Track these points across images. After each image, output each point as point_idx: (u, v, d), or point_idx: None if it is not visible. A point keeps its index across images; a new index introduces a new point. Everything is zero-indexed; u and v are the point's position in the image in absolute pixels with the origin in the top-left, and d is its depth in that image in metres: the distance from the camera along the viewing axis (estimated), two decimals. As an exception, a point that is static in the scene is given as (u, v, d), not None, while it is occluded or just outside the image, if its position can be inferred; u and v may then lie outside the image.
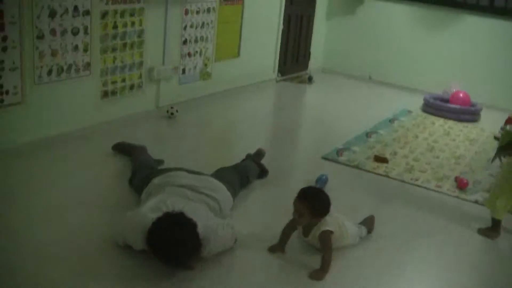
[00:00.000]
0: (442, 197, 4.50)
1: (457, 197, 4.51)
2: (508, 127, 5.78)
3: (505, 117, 6.28)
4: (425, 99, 7.34)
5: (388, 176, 4.78)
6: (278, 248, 3.29)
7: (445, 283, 3.27)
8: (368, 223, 3.64)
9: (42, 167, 4.12)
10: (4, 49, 4.03)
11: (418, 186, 4.66)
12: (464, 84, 7.53)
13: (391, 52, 8.46)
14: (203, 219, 2.96)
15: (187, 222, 2.81)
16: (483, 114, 7.11)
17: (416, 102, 7.46)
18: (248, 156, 4.41)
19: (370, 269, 3.28)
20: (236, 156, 4.43)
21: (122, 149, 4.40)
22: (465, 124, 6.83)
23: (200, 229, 2.84)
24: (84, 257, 3.00)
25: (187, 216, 2.84)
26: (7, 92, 4.12)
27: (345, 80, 8.53)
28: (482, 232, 3.89)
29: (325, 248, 3.16)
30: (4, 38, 4.01)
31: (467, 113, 7.07)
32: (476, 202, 4.45)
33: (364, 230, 3.55)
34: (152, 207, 3.02)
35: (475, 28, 7.83)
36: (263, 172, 4.31)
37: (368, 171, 4.84)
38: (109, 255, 3.04)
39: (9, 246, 3.04)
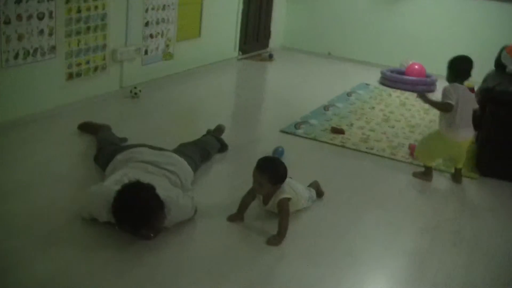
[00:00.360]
0: (396, 164, 4.75)
1: (410, 163, 4.76)
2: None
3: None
4: (382, 72, 7.63)
5: (344, 146, 5.02)
6: (237, 217, 3.47)
7: (395, 243, 3.50)
8: (314, 187, 3.87)
9: (10, 146, 4.26)
10: (-29, 34, 4.16)
11: (373, 154, 4.90)
12: (419, 57, 7.82)
13: (350, 29, 8.72)
14: (164, 189, 3.15)
15: (146, 187, 3.01)
16: (439, 84, 7.37)
17: (374, 76, 7.75)
18: (209, 132, 4.62)
19: (325, 232, 3.50)
20: (198, 132, 4.61)
21: (87, 128, 4.57)
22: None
23: (162, 195, 3.04)
24: (50, 229, 3.15)
25: (145, 182, 3.04)
26: (-25, 75, 4.26)
27: (305, 57, 8.77)
28: (417, 175, 4.44)
29: (282, 214, 3.34)
30: (-30, 24, 4.14)
31: (422, 84, 7.37)
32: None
33: (313, 192, 3.78)
34: (115, 181, 3.21)
35: (429, 3, 8.12)
36: (223, 147, 4.53)
37: (325, 142, 5.07)
38: (75, 227, 3.20)
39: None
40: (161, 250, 3.08)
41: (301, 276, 3.01)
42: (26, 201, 3.45)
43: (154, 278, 2.84)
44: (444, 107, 4.16)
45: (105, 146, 4.03)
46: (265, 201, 3.44)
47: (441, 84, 7.11)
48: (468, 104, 4.18)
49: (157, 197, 3.00)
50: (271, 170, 3.33)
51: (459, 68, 4.23)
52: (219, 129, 4.69)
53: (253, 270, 3.01)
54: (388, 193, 4.20)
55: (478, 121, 4.63)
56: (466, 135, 4.25)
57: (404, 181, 4.43)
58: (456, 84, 4.19)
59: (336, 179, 4.32)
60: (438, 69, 7.55)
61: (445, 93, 4.17)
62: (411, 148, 4.92)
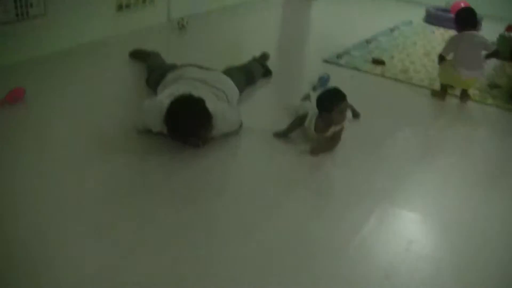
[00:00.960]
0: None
1: (448, 93, 4.86)
2: (506, 34, 6.12)
3: (504, 25, 6.55)
4: (427, 10, 7.62)
5: (383, 76, 5.15)
6: (283, 134, 3.66)
7: (422, 158, 3.69)
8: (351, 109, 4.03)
9: (66, 72, 4.52)
10: (28, -35, 4.40)
11: (411, 84, 5.02)
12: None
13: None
14: (211, 103, 3.37)
15: (197, 99, 3.23)
16: (484, 24, 7.35)
17: (420, 14, 7.75)
18: (254, 58, 4.80)
19: (361, 145, 3.73)
20: (244, 60, 4.80)
21: (138, 55, 4.81)
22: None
23: (209, 108, 3.26)
24: (107, 139, 3.44)
25: (196, 95, 3.26)
26: (31, 5, 4.50)
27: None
28: (434, 94, 4.80)
29: (338, 140, 3.60)
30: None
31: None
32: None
33: None
34: (168, 94, 3.44)
35: None
36: (267, 72, 4.72)
37: (366, 72, 5.21)
38: (130, 137, 3.47)
39: (40, 129, 3.50)
40: (209, 157, 3.33)
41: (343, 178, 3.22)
42: (83, 118, 3.73)
43: (200, 179, 3.10)
44: (439, 59, 4.72)
45: (155, 68, 4.25)
46: (323, 129, 3.57)
47: (486, 23, 7.19)
48: (472, 50, 4.52)
49: (206, 109, 3.22)
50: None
51: (464, 18, 4.67)
52: (264, 56, 4.87)
53: (295, 171, 3.23)
54: (419, 117, 4.36)
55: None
56: (470, 75, 4.55)
57: (438, 106, 4.60)
58: (460, 34, 4.61)
59: (373, 103, 4.51)
60: (484, 8, 7.57)
61: (445, 43, 4.73)
62: None
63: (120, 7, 5.37)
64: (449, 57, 4.68)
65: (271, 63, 4.91)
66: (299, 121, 3.66)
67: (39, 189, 2.87)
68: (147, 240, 2.56)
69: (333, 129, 3.57)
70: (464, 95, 4.74)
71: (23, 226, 2.57)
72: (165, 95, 3.46)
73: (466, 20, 4.66)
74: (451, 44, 4.65)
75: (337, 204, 3.06)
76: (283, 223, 2.79)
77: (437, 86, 4.89)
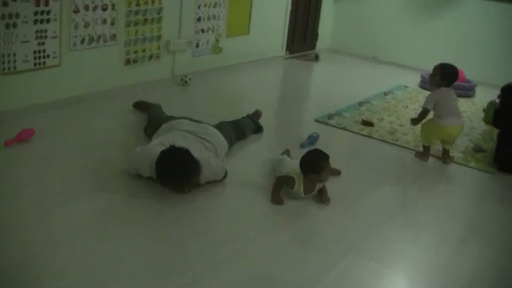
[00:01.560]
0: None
1: (431, 155, 5.12)
2: (496, 100, 6.43)
3: (498, 92, 6.85)
4: (421, 76, 7.96)
5: (370, 137, 5.44)
6: (278, 201, 3.78)
7: (396, 215, 3.95)
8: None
9: (73, 117, 4.95)
10: (48, 20, 4.82)
11: (397, 145, 5.31)
12: (460, 62, 8.09)
13: (395, 33, 9.07)
14: (197, 151, 3.70)
15: (181, 149, 3.57)
16: (479, 90, 7.67)
17: (415, 80, 8.10)
18: (247, 115, 5.14)
19: (339, 201, 3.97)
20: (240, 116, 5.15)
21: (141, 106, 5.18)
22: (458, 99, 7.40)
23: (195, 156, 3.58)
24: (100, 179, 3.79)
25: (180, 146, 3.60)
26: (48, 56, 4.92)
27: (350, 59, 9.19)
28: (417, 155, 5.06)
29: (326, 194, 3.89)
30: (48, 12, 4.80)
31: (460, 88, 7.62)
32: (449, 160, 5.11)
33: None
34: (158, 143, 3.79)
35: (470, 10, 8.43)
36: (258, 128, 5.05)
37: (354, 132, 5.51)
38: (122, 179, 3.82)
39: (42, 166, 3.88)
40: (194, 201, 3.63)
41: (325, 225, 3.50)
42: (82, 157, 4.11)
43: (185, 219, 3.41)
44: (423, 113, 4.98)
45: (154, 119, 4.60)
46: (312, 189, 3.83)
47: (481, 89, 7.52)
48: (451, 100, 4.87)
49: (193, 158, 3.54)
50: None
51: (451, 73, 4.96)
52: (257, 113, 5.21)
53: (271, 220, 3.51)
54: (402, 175, 4.64)
55: (498, 118, 5.04)
56: (453, 122, 4.86)
57: (420, 167, 4.87)
58: (442, 89, 4.88)
59: (357, 161, 4.81)
60: (477, 75, 7.93)
61: (427, 99, 4.98)
62: None
63: (128, 61, 5.76)
64: (431, 112, 4.96)
65: (265, 120, 5.25)
66: (280, 184, 3.84)
67: (35, 219, 3.20)
68: (121, 269, 2.83)
69: (318, 187, 3.85)
70: (446, 156, 5.00)
71: (19, 247, 2.88)
72: (155, 143, 3.81)
73: (452, 76, 4.96)
74: (432, 97, 4.90)
75: (305, 251, 3.30)
76: (251, 266, 3.04)
77: (419, 144, 5.18)
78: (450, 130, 4.88)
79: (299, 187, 3.78)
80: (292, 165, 4.00)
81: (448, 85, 4.92)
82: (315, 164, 3.72)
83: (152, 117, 4.71)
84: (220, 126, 4.46)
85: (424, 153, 5.06)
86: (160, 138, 3.89)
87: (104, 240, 3.09)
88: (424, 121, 5.06)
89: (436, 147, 5.09)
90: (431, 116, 5.00)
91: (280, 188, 3.82)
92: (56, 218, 3.24)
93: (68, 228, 3.15)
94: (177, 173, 3.50)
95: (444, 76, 4.91)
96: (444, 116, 4.84)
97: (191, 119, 4.37)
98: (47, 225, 3.16)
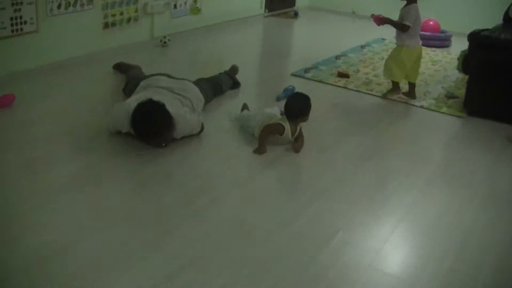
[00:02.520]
0: (391, 104, 5.31)
1: (405, 103, 5.31)
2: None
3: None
4: (398, 28, 8.05)
5: (346, 88, 5.59)
6: (262, 150, 3.97)
7: (361, 161, 4.11)
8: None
9: (54, 83, 5.04)
10: (23, -14, 4.90)
11: (371, 94, 5.46)
12: (436, 14, 8.22)
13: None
14: (173, 107, 3.83)
15: (157, 103, 3.69)
16: (454, 41, 7.80)
17: (392, 32, 8.14)
18: (224, 71, 5.27)
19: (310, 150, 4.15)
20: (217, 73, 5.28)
21: (120, 67, 5.29)
22: (434, 49, 7.57)
23: (171, 111, 3.72)
24: (82, 139, 3.94)
25: (155, 100, 3.72)
26: (25, 22, 4.99)
27: (330, 15, 9.29)
28: (387, 95, 5.32)
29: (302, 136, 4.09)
30: (23, -21, 4.87)
31: (436, 39, 7.79)
32: (421, 107, 5.27)
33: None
34: (135, 99, 3.90)
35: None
36: (235, 84, 5.19)
37: (330, 84, 5.66)
38: (102, 138, 3.97)
39: (24, 131, 3.99)
40: (171, 155, 3.78)
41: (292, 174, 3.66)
42: (64, 121, 4.23)
43: (162, 174, 3.56)
44: (402, 27, 5.02)
45: (132, 79, 4.72)
46: (294, 132, 4.04)
47: (456, 39, 7.64)
48: (420, 19, 5.06)
49: (167, 112, 3.67)
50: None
51: None
52: (233, 69, 5.37)
53: (246, 170, 3.69)
54: (372, 124, 4.78)
55: (468, 64, 5.18)
56: (420, 42, 5.19)
57: (391, 114, 5.04)
58: (415, 4, 4.99)
59: (331, 112, 4.97)
60: (452, 26, 8.05)
61: (407, 14, 5.00)
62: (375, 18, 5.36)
63: (106, 25, 5.85)
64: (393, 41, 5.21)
65: (243, 77, 5.40)
66: (271, 132, 4.02)
67: (19, 180, 3.35)
68: (100, 222, 3.00)
69: (299, 128, 4.07)
70: (413, 89, 5.31)
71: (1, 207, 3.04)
72: (133, 100, 3.93)
73: None
74: (412, 16, 4.98)
75: (278, 198, 3.49)
76: (225, 213, 3.20)
77: (396, 96, 5.36)
78: (419, 51, 5.16)
79: (288, 131, 3.98)
80: (263, 115, 4.13)
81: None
82: (304, 107, 4.00)
83: (131, 77, 4.83)
84: (197, 82, 4.59)
85: (394, 88, 5.31)
86: (137, 95, 4.01)
87: (84, 196, 3.24)
88: (395, 52, 5.24)
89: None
90: (399, 43, 5.19)
91: (267, 137, 3.98)
92: (39, 179, 3.39)
93: (50, 188, 3.29)
94: (151, 125, 3.63)
95: None
96: (416, 35, 5.06)
97: (169, 76, 4.49)
98: (30, 186, 3.30)
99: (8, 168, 3.50)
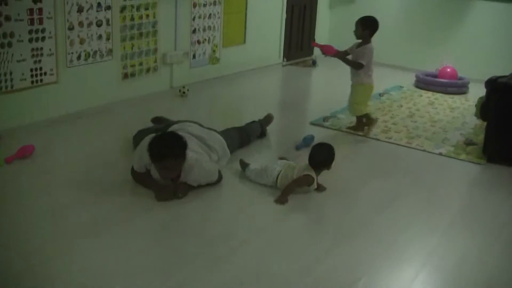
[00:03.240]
0: (409, 151, 5.28)
1: (424, 150, 5.28)
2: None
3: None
4: (416, 76, 8.11)
5: (365, 136, 5.58)
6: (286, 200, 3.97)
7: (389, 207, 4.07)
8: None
9: (73, 134, 5.08)
10: (43, 39, 5.02)
11: (390, 143, 5.44)
12: (454, 60, 8.25)
13: (390, 35, 9.19)
14: (195, 153, 3.84)
15: (178, 135, 3.74)
16: (472, 87, 7.79)
17: (410, 80, 8.23)
18: (258, 120, 5.24)
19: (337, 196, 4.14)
20: (240, 123, 5.27)
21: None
22: (452, 96, 7.56)
23: (189, 154, 3.73)
24: (100, 189, 3.94)
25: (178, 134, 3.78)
26: (45, 73, 5.11)
27: (347, 63, 9.32)
28: (357, 128, 5.56)
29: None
30: (43, 30, 5.00)
31: (453, 86, 7.80)
32: (440, 154, 5.23)
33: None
34: None
35: (463, 10, 8.58)
36: (262, 133, 5.19)
37: (348, 133, 5.65)
38: (120, 188, 3.96)
39: (44, 179, 4.02)
40: (189, 203, 3.77)
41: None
42: (82, 171, 4.28)
43: (182, 221, 3.59)
44: (356, 65, 5.32)
45: (142, 129, 4.72)
46: (317, 182, 4.10)
47: (473, 86, 7.64)
48: (372, 58, 5.35)
49: (183, 141, 3.68)
50: None
51: (363, 24, 5.31)
52: (268, 118, 5.34)
53: (264, 218, 3.67)
54: (392, 171, 4.75)
55: (486, 110, 5.17)
56: (373, 79, 5.46)
57: (412, 162, 4.98)
58: (369, 45, 5.30)
59: (350, 160, 4.95)
60: (470, 72, 8.07)
61: (363, 54, 5.29)
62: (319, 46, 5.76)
63: (125, 76, 5.95)
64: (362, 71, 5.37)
65: None
66: (300, 185, 4.04)
67: (38, 228, 3.36)
68: (121, 271, 2.98)
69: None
70: (372, 121, 5.51)
71: (22, 257, 3.04)
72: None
73: (373, 23, 5.33)
74: (367, 56, 5.29)
75: (299, 244, 3.44)
76: (246, 261, 3.17)
77: (415, 143, 5.35)
78: (372, 87, 5.48)
79: (315, 182, 4.03)
80: (282, 166, 4.13)
81: (372, 34, 5.29)
82: (329, 156, 4.07)
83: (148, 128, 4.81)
84: (226, 133, 4.61)
85: (359, 124, 5.55)
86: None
87: (105, 245, 3.23)
88: (356, 90, 5.52)
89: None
90: (358, 81, 5.46)
91: (294, 190, 3.99)
92: (59, 227, 3.40)
93: (70, 235, 3.30)
94: (162, 142, 3.64)
95: (366, 26, 5.26)
96: (371, 73, 5.37)
97: (200, 125, 4.47)
98: (51, 234, 3.31)
99: (27, 216, 3.50)
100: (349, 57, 5.45)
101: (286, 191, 3.96)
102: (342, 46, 8.98)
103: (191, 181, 3.82)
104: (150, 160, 3.70)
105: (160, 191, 3.67)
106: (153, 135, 3.77)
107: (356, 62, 5.30)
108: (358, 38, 5.37)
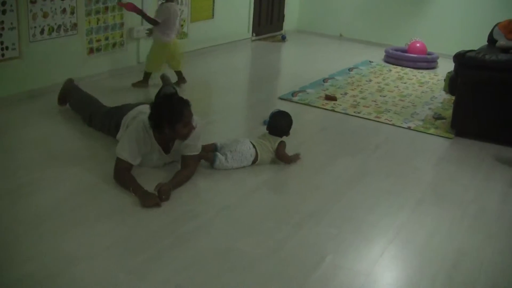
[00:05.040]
0: (378, 125, 5.29)
1: (393, 125, 5.30)
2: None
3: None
4: (386, 51, 8.12)
5: (334, 111, 5.57)
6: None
7: (356, 182, 4.07)
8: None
9: (37, 111, 4.94)
10: (4, 12, 4.82)
11: (359, 117, 5.44)
12: (422, 36, 8.27)
13: (360, 11, 9.21)
14: None
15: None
16: (441, 62, 7.84)
17: (380, 55, 8.24)
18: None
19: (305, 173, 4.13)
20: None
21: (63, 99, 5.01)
22: (421, 71, 7.59)
23: None
24: (64, 167, 3.86)
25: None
26: (7, 48, 4.93)
27: (318, 38, 9.31)
28: (136, 84, 5.78)
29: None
30: (3, 3, 4.80)
31: (422, 60, 7.83)
32: (409, 128, 5.26)
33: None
34: (134, 116, 3.96)
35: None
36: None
37: (317, 107, 5.63)
38: (84, 166, 3.90)
39: (7, 158, 3.91)
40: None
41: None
42: (46, 149, 4.18)
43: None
44: (152, 22, 5.60)
45: (94, 110, 4.56)
46: None
47: (443, 61, 7.68)
48: (176, 17, 5.64)
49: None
50: None
51: None
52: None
53: (230, 196, 3.62)
54: (361, 146, 4.74)
55: (454, 85, 5.18)
56: (172, 37, 5.70)
57: (381, 137, 4.97)
58: (169, 4, 5.60)
59: (319, 135, 4.94)
60: (439, 47, 8.10)
61: (159, 12, 5.61)
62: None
63: (91, 51, 5.81)
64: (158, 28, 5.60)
65: (231, 100, 5.56)
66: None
67: (2, 209, 3.27)
68: (84, 251, 2.92)
69: None
70: (181, 78, 5.85)
71: None
72: (132, 116, 3.98)
73: None
74: (162, 13, 5.55)
75: (266, 223, 3.38)
76: (212, 240, 3.13)
77: (384, 117, 5.35)
78: (173, 44, 5.68)
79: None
80: (248, 143, 4.10)
81: None
82: (290, 124, 4.25)
83: (93, 110, 4.61)
84: None
85: (144, 81, 5.78)
86: (132, 115, 4.03)
87: (68, 225, 3.15)
88: (151, 47, 5.75)
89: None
90: (154, 38, 5.70)
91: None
92: (22, 207, 3.31)
93: (33, 216, 3.21)
94: (173, 101, 3.64)
95: None
96: (167, 31, 5.58)
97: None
98: (14, 216, 3.22)
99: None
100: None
101: (287, 158, 4.13)
102: (313, 21, 8.95)
103: (191, 144, 3.79)
104: (172, 124, 3.60)
105: (146, 197, 3.46)
106: (147, 106, 3.80)
107: (152, 18, 5.59)
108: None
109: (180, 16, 5.68)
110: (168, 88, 4.82)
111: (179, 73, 5.88)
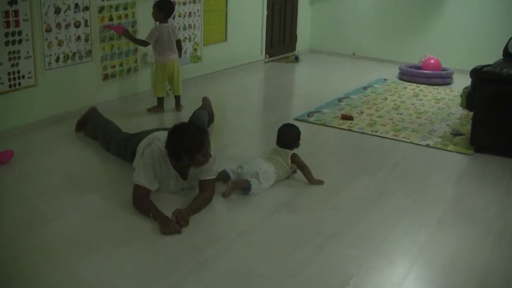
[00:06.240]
0: (396, 144, 5.23)
1: (411, 142, 5.24)
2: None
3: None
4: (400, 68, 8.08)
5: (350, 130, 5.52)
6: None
7: (374, 201, 4.01)
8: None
9: (52, 137, 4.97)
10: (20, 41, 4.88)
11: (376, 136, 5.39)
12: (437, 52, 8.22)
13: (372, 29, 9.18)
14: None
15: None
16: (456, 78, 7.78)
17: (394, 73, 8.20)
18: (202, 106, 5.36)
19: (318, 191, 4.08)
20: (222, 121, 5.24)
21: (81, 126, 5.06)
22: (436, 87, 7.54)
23: None
24: (81, 195, 3.84)
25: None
26: (23, 77, 4.97)
27: (330, 58, 9.30)
28: (151, 110, 5.79)
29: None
30: (19, 33, 4.86)
31: (437, 77, 7.78)
32: (427, 145, 5.19)
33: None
34: (148, 143, 3.91)
35: (447, 0, 8.54)
36: (210, 118, 5.28)
37: (333, 127, 5.59)
38: (101, 194, 3.89)
39: (23, 186, 3.91)
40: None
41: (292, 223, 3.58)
42: (62, 176, 4.19)
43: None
44: (142, 43, 5.67)
45: (113, 135, 4.58)
46: None
47: (457, 76, 7.62)
48: (170, 36, 5.60)
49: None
50: None
51: (170, 8, 5.63)
52: (205, 100, 5.50)
53: (250, 218, 3.59)
54: (379, 165, 4.68)
55: (471, 100, 5.13)
56: (170, 57, 5.65)
57: (399, 155, 4.91)
58: (160, 25, 5.56)
59: (336, 155, 4.90)
60: (453, 63, 8.05)
61: (150, 33, 5.56)
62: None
63: (106, 77, 5.83)
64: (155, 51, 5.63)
65: (246, 122, 5.50)
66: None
67: (18, 236, 3.25)
68: (103, 280, 2.88)
69: None
70: (177, 102, 5.85)
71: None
72: (145, 144, 3.93)
73: (168, 6, 5.57)
74: (153, 34, 5.52)
75: (286, 246, 3.34)
76: (233, 264, 3.09)
77: (402, 135, 5.29)
78: (171, 65, 5.64)
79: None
80: (265, 163, 4.10)
81: (166, 17, 5.56)
82: (298, 136, 4.32)
83: (107, 133, 4.66)
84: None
85: (159, 106, 5.79)
86: (146, 142, 3.97)
87: (86, 253, 3.13)
88: (154, 70, 5.84)
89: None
90: (155, 61, 5.72)
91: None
92: (39, 235, 3.29)
93: (50, 244, 3.19)
94: (191, 131, 3.61)
95: (160, 9, 5.49)
96: (162, 51, 5.55)
97: (164, 128, 4.31)
98: (30, 242, 3.20)
99: (6, 223, 3.41)
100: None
101: (309, 175, 4.16)
102: (325, 40, 8.96)
103: (208, 168, 3.75)
104: (191, 155, 3.57)
105: (166, 223, 3.41)
106: (162, 133, 3.85)
107: (141, 40, 5.64)
108: (155, 20, 5.66)
109: (175, 35, 5.69)
110: (201, 113, 5.08)
111: (177, 98, 5.87)
